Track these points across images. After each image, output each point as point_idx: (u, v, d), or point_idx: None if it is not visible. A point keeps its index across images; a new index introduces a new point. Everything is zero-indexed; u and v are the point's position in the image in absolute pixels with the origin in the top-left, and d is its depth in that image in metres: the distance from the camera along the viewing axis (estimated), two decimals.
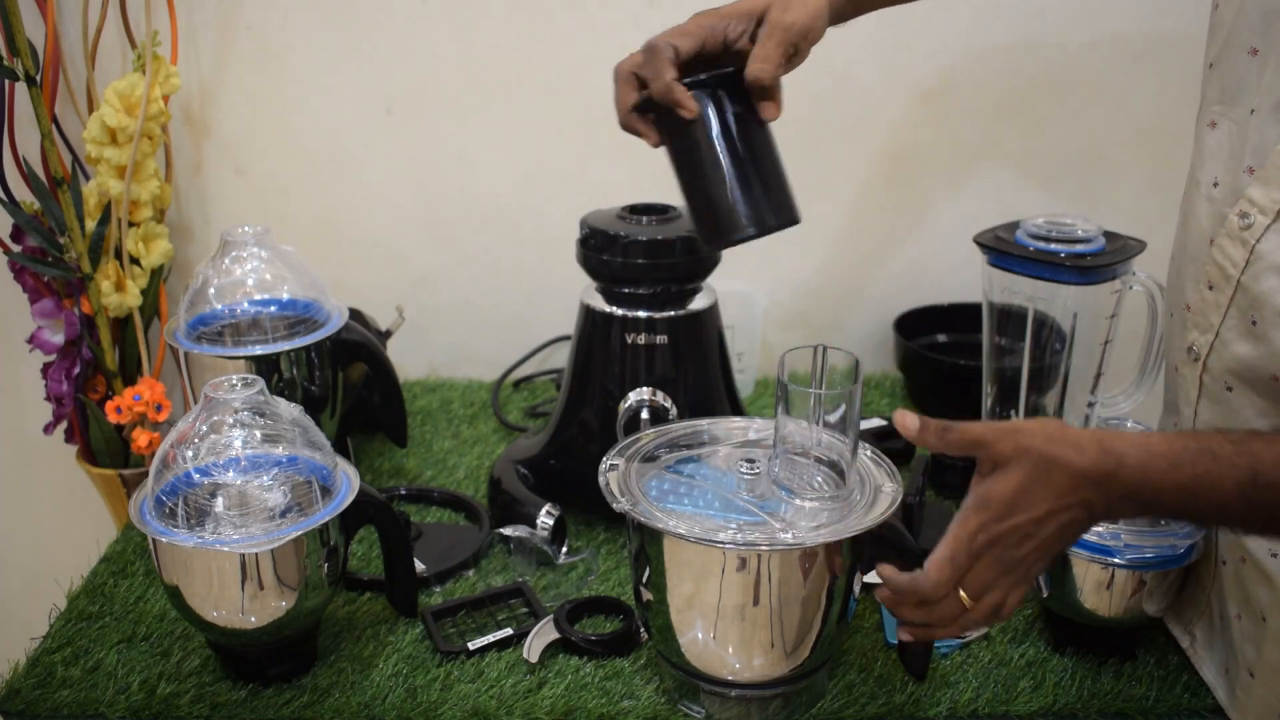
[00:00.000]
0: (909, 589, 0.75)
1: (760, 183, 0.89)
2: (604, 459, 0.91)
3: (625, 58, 0.93)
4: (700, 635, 0.84)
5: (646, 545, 0.85)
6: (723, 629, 0.83)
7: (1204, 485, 0.71)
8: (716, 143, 0.88)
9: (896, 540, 0.84)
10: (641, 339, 1.09)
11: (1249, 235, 0.80)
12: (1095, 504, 0.73)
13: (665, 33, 0.91)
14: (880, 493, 0.86)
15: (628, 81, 0.93)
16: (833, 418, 0.83)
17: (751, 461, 0.88)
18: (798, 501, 0.84)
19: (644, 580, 0.86)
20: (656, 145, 0.92)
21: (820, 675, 0.89)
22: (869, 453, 0.90)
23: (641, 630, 0.94)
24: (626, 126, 0.94)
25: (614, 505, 0.84)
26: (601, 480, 0.88)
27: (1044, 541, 0.73)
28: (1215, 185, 0.84)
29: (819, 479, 0.85)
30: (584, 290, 1.14)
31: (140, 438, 1.29)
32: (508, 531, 1.08)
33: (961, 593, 0.75)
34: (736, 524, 0.82)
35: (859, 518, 0.82)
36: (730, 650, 0.84)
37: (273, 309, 1.10)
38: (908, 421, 0.76)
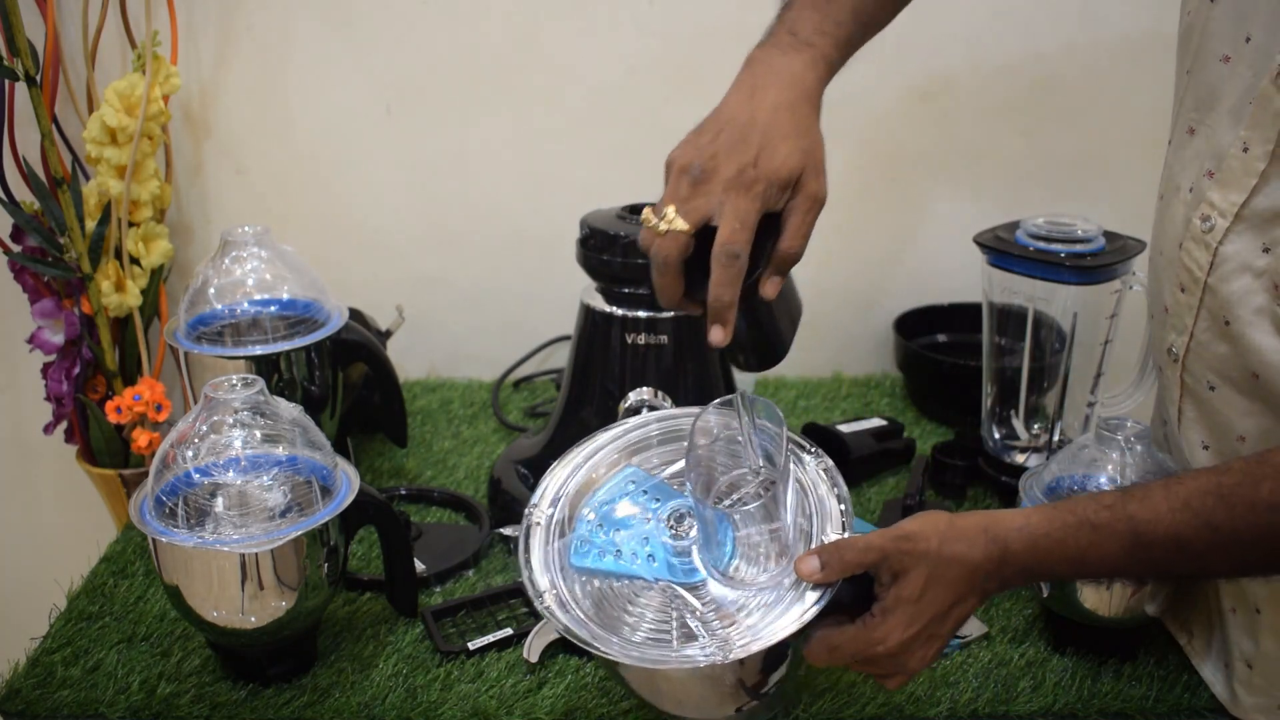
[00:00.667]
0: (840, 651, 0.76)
1: (789, 322, 0.93)
2: (528, 507, 0.82)
3: (662, 241, 0.79)
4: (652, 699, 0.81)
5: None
6: (674, 700, 0.80)
7: (1090, 557, 0.74)
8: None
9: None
10: (641, 339, 1.09)
11: (1210, 238, 0.81)
12: (990, 590, 0.76)
13: (728, 210, 0.79)
14: (827, 519, 0.80)
15: (677, 275, 0.81)
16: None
17: (680, 523, 0.81)
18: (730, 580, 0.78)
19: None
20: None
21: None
22: (819, 468, 0.83)
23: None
24: (674, 309, 0.85)
25: (538, 605, 0.76)
26: (520, 555, 0.80)
27: (945, 635, 0.77)
28: (1190, 191, 0.84)
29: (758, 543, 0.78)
30: (584, 290, 1.14)
31: (140, 438, 1.29)
32: (508, 531, 1.08)
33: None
34: (675, 624, 0.75)
35: (798, 597, 0.75)
36: (696, 714, 0.81)
37: (273, 309, 1.10)
38: (803, 567, 0.75)
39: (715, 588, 0.78)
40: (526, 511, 0.82)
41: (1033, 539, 0.74)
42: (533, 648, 0.94)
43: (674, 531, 0.81)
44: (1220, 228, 0.80)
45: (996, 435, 1.20)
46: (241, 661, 0.91)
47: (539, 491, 0.83)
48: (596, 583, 0.79)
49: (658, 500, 0.82)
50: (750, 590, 0.77)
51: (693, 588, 0.78)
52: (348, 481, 0.92)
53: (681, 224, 0.78)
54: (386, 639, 0.97)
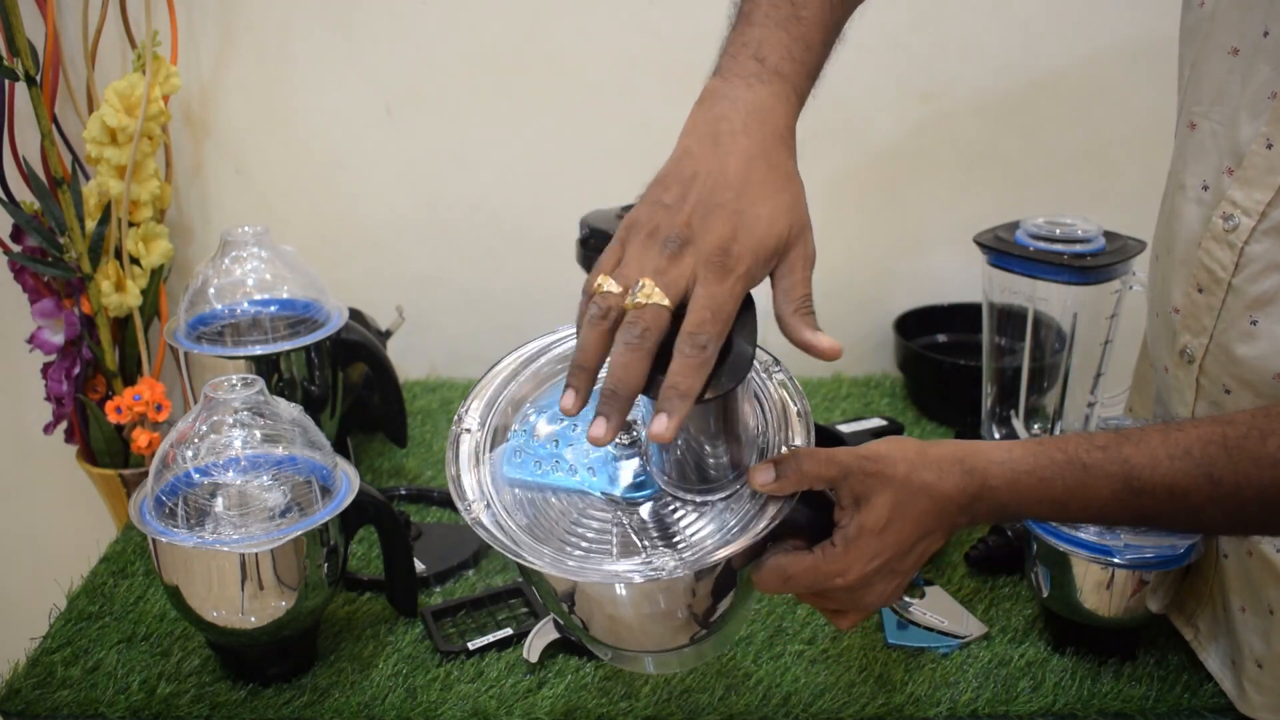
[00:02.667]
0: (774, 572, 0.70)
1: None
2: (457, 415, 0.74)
3: (640, 313, 0.65)
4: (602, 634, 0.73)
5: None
6: (622, 630, 0.72)
7: (1076, 497, 0.70)
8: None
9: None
10: None
11: (1235, 238, 0.80)
12: (960, 524, 0.72)
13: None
14: (791, 427, 0.72)
15: (650, 355, 0.66)
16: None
17: (628, 430, 0.72)
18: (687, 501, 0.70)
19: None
20: None
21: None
22: (778, 381, 0.75)
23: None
24: (623, 397, 0.66)
25: (464, 514, 0.68)
26: (449, 464, 0.71)
27: (907, 571, 0.72)
28: (1205, 189, 0.83)
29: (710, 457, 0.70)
30: None
31: (140, 438, 1.29)
32: None
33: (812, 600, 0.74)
34: (616, 538, 0.68)
35: (755, 512, 0.69)
36: (637, 645, 0.73)
37: (273, 309, 1.10)
38: (758, 477, 0.68)
39: (664, 507, 0.70)
40: (455, 419, 0.73)
41: (1014, 475, 0.70)
42: (533, 648, 0.94)
43: (619, 439, 0.71)
44: (1246, 226, 0.79)
45: (996, 435, 1.20)
46: (241, 661, 0.91)
47: (468, 400, 0.75)
48: (531, 495, 0.70)
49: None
50: (703, 508, 0.70)
51: (638, 504, 0.70)
52: (348, 481, 0.92)
53: (662, 298, 0.64)
54: (386, 639, 0.97)
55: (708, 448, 0.68)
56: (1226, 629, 0.89)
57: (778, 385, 0.74)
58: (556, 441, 0.73)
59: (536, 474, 0.71)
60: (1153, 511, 0.70)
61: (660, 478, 0.70)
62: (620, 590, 0.67)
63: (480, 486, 0.70)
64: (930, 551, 0.72)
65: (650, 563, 0.66)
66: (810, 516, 0.71)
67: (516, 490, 0.71)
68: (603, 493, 0.71)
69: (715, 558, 0.66)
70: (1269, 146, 0.77)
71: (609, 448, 0.71)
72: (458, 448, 0.72)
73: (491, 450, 0.72)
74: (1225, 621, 0.89)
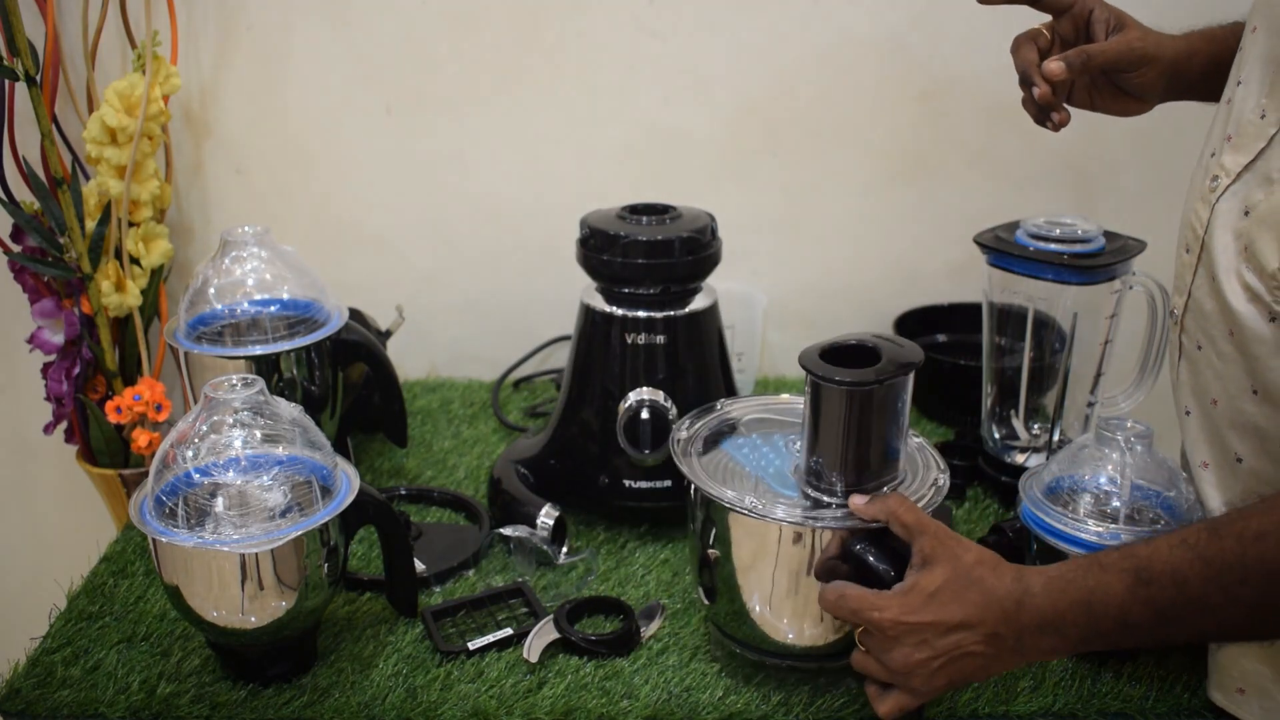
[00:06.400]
0: (847, 602, 0.80)
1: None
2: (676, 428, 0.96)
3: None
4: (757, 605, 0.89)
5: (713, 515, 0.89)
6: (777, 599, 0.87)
7: (1098, 598, 0.75)
8: None
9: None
10: (641, 339, 1.09)
11: (1212, 197, 0.83)
12: (1004, 638, 0.76)
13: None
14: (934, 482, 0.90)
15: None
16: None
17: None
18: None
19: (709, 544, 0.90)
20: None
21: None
22: (916, 441, 0.94)
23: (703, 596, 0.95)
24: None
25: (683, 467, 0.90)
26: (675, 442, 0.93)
27: (938, 650, 0.77)
28: (1212, 156, 0.86)
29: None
30: (584, 290, 1.14)
31: (140, 438, 1.29)
32: (508, 531, 1.08)
33: (859, 645, 0.82)
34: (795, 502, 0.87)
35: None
36: (784, 620, 0.88)
37: (273, 309, 1.10)
38: (855, 499, 0.84)
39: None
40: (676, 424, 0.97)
41: (1049, 580, 0.76)
42: (532, 648, 0.94)
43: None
44: (1222, 185, 0.82)
45: (996, 435, 1.20)
46: (241, 661, 0.91)
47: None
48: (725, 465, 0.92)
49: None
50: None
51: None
52: (348, 481, 0.92)
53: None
54: (386, 639, 0.97)
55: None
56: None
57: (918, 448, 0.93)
58: (763, 447, 0.95)
59: (740, 453, 0.93)
60: (1164, 604, 0.74)
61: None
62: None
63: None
64: (966, 647, 0.77)
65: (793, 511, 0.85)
66: (885, 561, 0.81)
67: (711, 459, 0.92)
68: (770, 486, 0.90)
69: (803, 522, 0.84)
70: (1262, 116, 0.80)
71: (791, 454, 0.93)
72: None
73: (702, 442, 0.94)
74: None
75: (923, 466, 0.91)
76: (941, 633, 0.77)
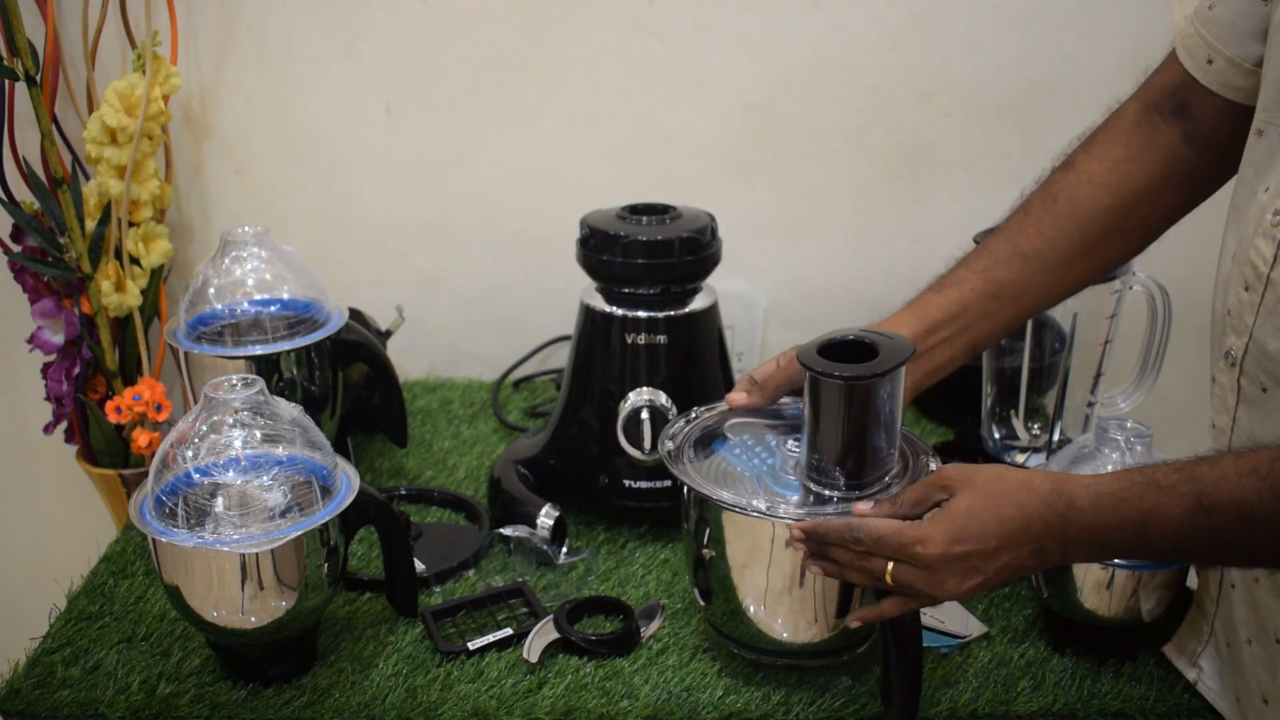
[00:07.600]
0: (854, 533, 0.79)
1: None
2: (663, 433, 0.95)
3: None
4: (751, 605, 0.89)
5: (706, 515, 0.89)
6: (771, 599, 0.88)
7: (1155, 519, 0.72)
8: None
9: None
10: (641, 339, 1.09)
11: (1276, 232, 0.78)
12: (1050, 550, 0.75)
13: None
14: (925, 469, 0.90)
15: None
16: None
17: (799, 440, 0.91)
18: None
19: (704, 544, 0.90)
20: None
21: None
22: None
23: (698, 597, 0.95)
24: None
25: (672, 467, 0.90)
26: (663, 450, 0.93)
27: (989, 574, 0.77)
28: (1266, 190, 0.81)
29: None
30: (584, 290, 1.14)
31: (140, 438, 1.29)
32: (508, 531, 1.08)
33: (890, 568, 0.79)
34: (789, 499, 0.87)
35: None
36: (779, 620, 0.89)
37: (273, 309, 1.10)
38: (859, 505, 0.82)
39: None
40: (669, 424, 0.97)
41: (1098, 495, 0.74)
42: (532, 648, 0.94)
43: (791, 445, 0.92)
44: None
45: (996, 435, 1.20)
46: (241, 661, 0.91)
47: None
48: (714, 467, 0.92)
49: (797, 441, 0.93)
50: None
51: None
52: (348, 481, 0.92)
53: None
54: (386, 639, 0.97)
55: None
56: (1231, 665, 0.88)
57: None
58: (754, 448, 0.94)
59: (731, 454, 0.93)
60: (1225, 532, 0.71)
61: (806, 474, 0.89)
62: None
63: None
64: (1017, 568, 0.76)
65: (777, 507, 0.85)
66: None
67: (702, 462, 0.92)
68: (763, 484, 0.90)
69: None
70: None
71: (786, 449, 0.93)
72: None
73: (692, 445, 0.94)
74: (1230, 658, 0.88)
75: (910, 454, 0.92)
76: (987, 554, 0.75)
